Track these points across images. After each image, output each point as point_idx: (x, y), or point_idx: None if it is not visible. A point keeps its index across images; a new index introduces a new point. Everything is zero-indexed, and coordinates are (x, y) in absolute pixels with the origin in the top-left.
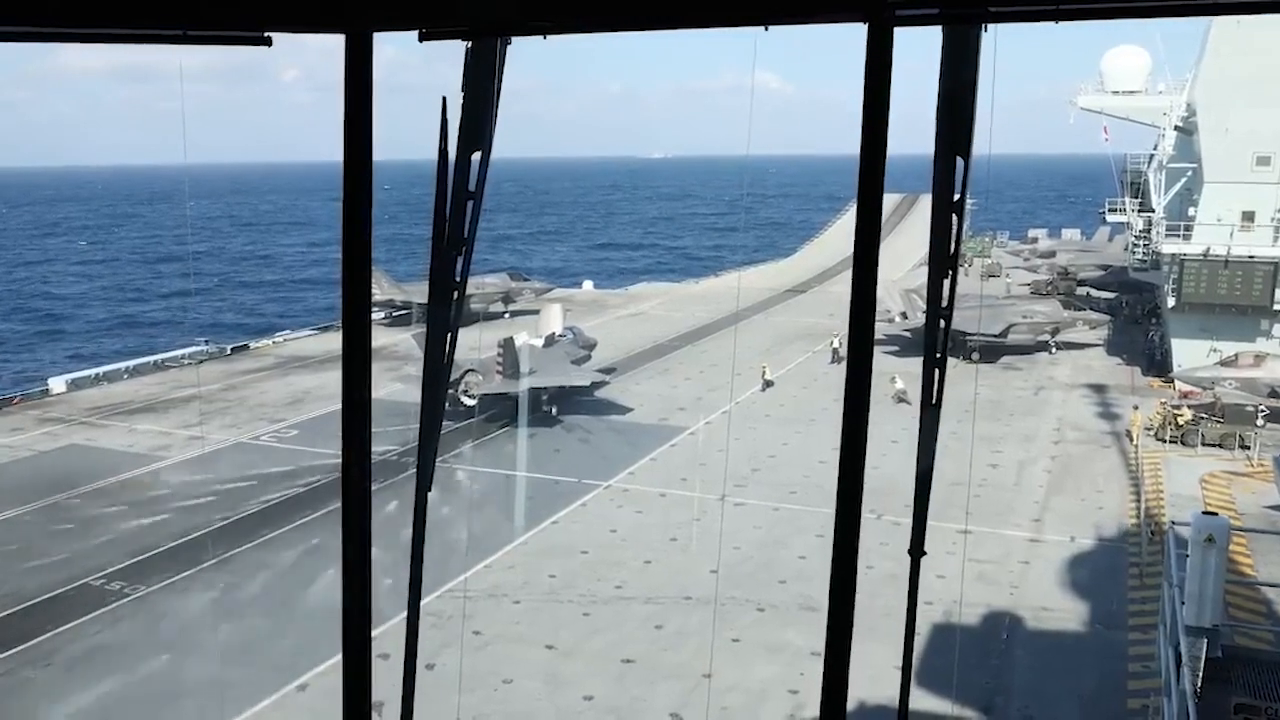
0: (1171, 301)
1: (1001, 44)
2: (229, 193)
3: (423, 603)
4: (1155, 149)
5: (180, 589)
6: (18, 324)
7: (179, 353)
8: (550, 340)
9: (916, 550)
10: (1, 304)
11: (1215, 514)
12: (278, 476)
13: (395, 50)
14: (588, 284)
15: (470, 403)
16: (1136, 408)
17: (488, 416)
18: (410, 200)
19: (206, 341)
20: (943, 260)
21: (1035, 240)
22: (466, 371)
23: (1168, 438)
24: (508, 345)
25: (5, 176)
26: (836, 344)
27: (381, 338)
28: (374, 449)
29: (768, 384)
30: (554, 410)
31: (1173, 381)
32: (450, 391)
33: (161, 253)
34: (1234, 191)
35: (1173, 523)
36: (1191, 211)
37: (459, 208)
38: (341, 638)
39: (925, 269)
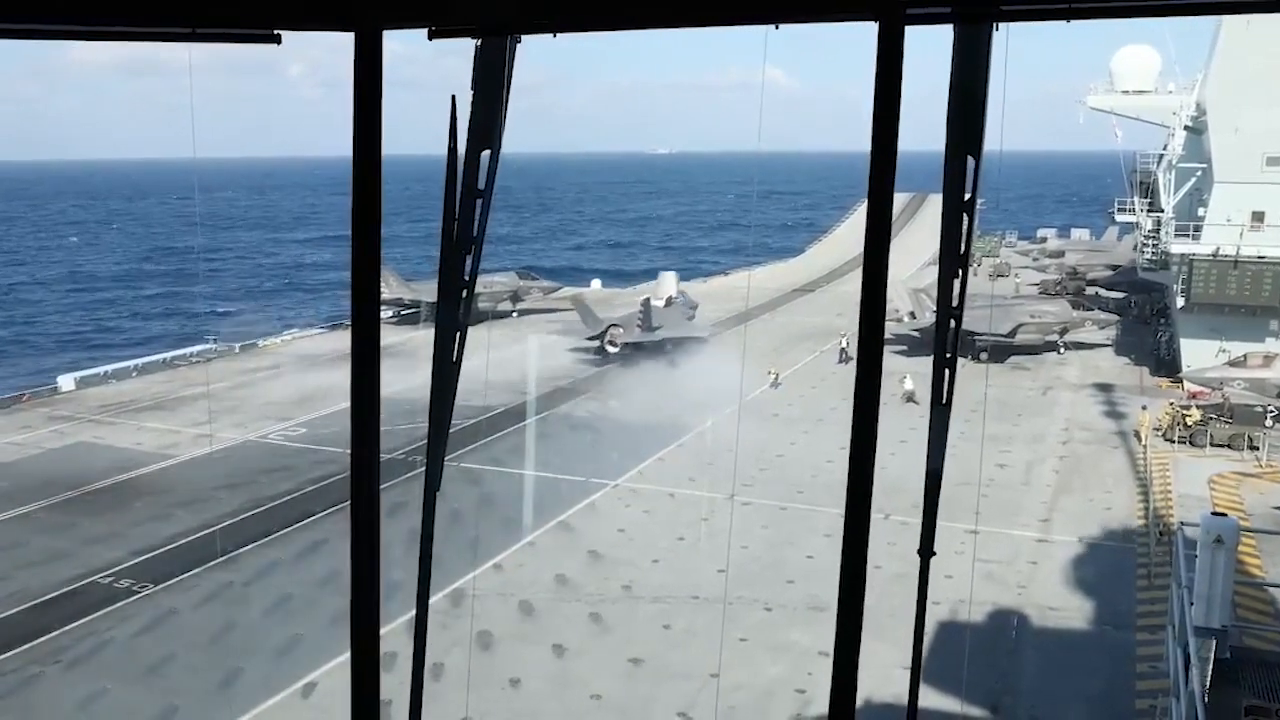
0: (1180, 302)
1: (1012, 42)
2: (226, 187)
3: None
4: (1165, 148)
5: (188, 587)
6: None
7: (187, 350)
8: (669, 301)
9: (926, 551)
10: None
11: (1224, 515)
12: (284, 475)
13: (401, 45)
14: (595, 283)
15: (613, 350)
16: (1145, 408)
17: (623, 361)
18: (412, 198)
19: (214, 340)
20: (953, 260)
21: (1044, 240)
22: (610, 326)
23: (1176, 438)
24: (646, 304)
25: (12, 171)
26: (844, 344)
27: (390, 336)
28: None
29: (775, 385)
30: (674, 358)
31: (1181, 382)
32: (596, 343)
33: (148, 248)
34: (1244, 191)
35: (1181, 523)
36: (1201, 211)
37: (468, 206)
38: (350, 637)
39: (934, 268)
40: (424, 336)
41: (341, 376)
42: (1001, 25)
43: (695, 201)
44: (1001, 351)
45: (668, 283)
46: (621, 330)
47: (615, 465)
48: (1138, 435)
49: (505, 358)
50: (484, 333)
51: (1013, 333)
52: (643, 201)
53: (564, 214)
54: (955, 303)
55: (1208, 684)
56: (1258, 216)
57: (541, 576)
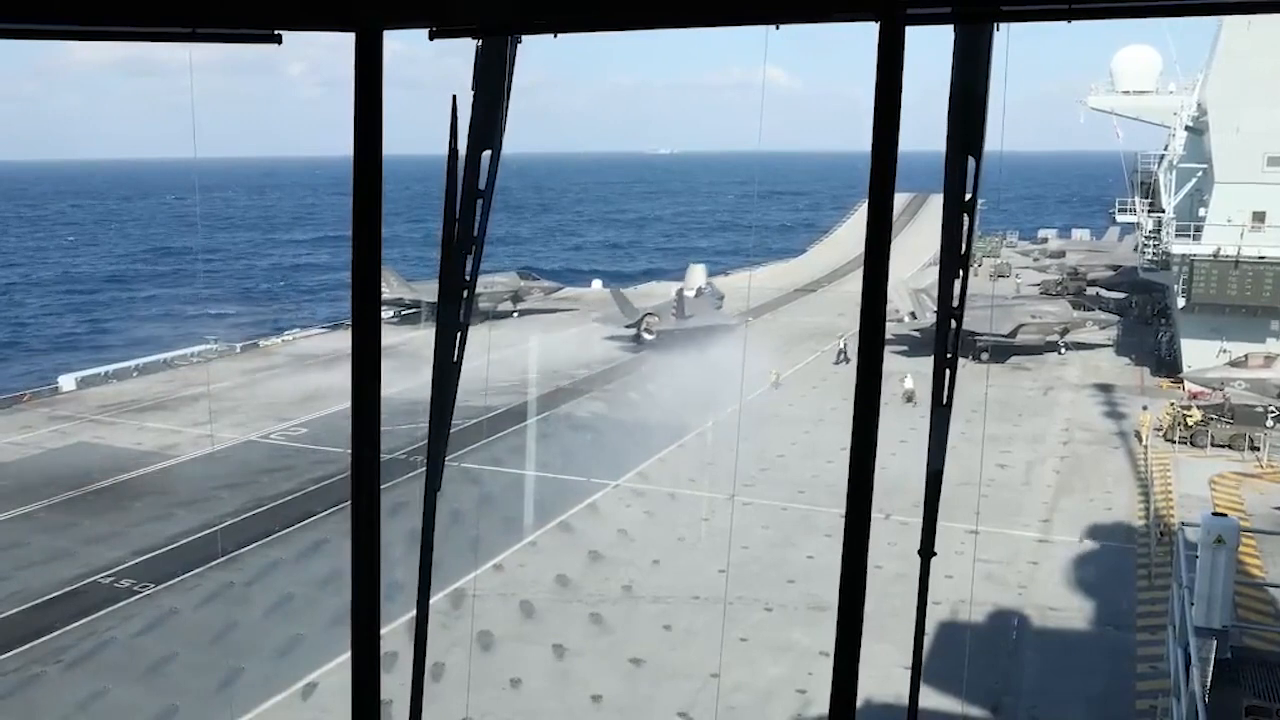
0: (1181, 302)
1: (1013, 42)
2: (226, 187)
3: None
4: (1165, 149)
5: (189, 586)
6: None
7: (188, 351)
8: (699, 292)
9: (926, 551)
10: None
11: (1224, 515)
12: (285, 475)
13: (402, 45)
14: (596, 283)
15: (649, 337)
16: (1145, 408)
17: (658, 348)
18: (412, 197)
19: (215, 340)
20: (954, 260)
21: (1045, 240)
22: (645, 315)
23: (1177, 438)
24: (680, 295)
25: (10, 171)
26: (843, 344)
27: (391, 336)
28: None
29: (775, 385)
30: (704, 345)
31: (1182, 382)
32: (634, 330)
33: (144, 249)
34: (1244, 192)
35: (1182, 523)
36: (1202, 212)
37: (469, 206)
38: (351, 637)
39: (934, 268)
40: (424, 337)
41: (342, 376)
42: (1002, 25)
43: (695, 202)
44: (1002, 352)
45: (697, 275)
46: (657, 319)
47: (616, 464)
48: (1138, 435)
49: (550, 343)
50: (485, 333)
51: (1013, 333)
52: (642, 202)
53: (563, 215)
54: (956, 303)
55: (1208, 684)
56: (1258, 217)
57: (542, 576)
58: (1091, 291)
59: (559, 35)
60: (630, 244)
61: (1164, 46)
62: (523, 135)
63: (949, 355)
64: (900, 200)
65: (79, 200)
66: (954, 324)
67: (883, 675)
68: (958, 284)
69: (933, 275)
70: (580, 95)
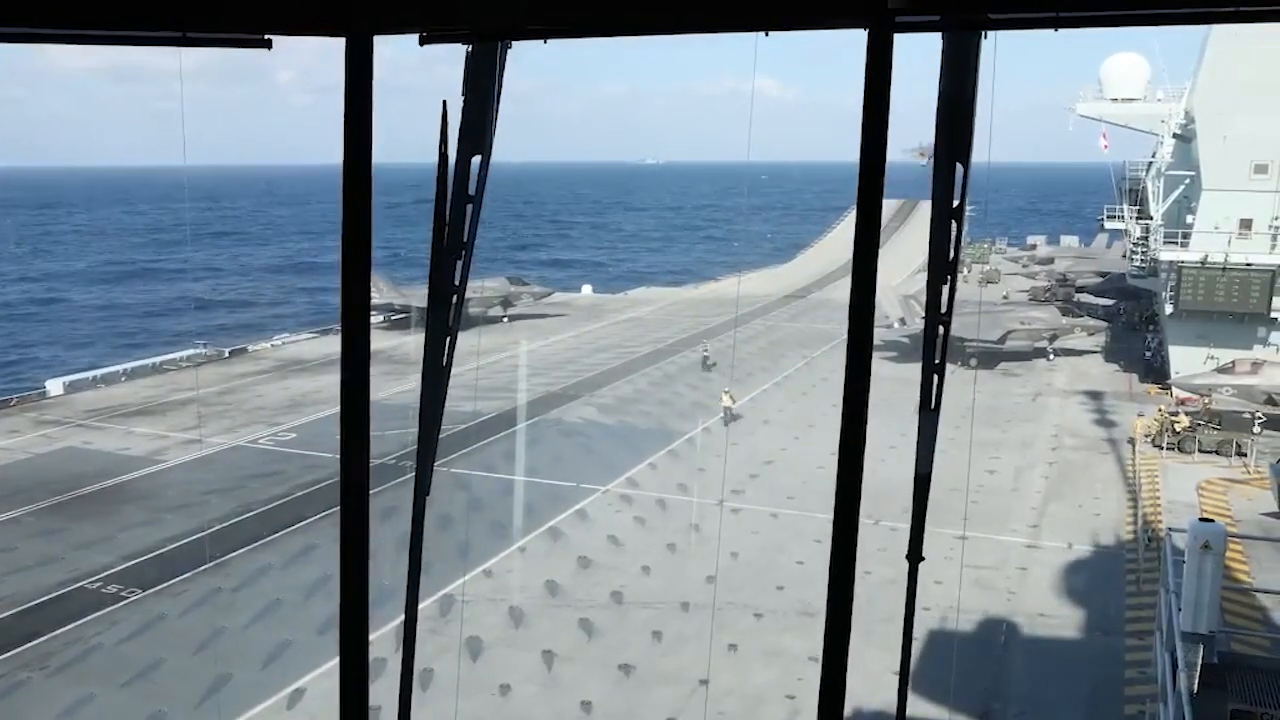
0: (1169, 308)
1: (1001, 50)
2: (204, 196)
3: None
4: (1154, 156)
5: (176, 592)
6: None
7: (176, 355)
8: None
9: (915, 556)
10: None
11: (1212, 520)
12: (274, 480)
13: (393, 51)
14: (586, 288)
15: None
16: (1140, 415)
17: None
18: (399, 206)
19: (204, 344)
20: (942, 266)
21: (1034, 247)
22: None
23: (1165, 444)
24: None
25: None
26: (706, 351)
27: (380, 341)
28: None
29: (732, 416)
30: None
31: (1170, 388)
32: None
33: (106, 260)
34: (1232, 199)
35: (1169, 529)
36: (1189, 219)
37: (459, 211)
38: (339, 642)
39: (924, 275)
40: (414, 341)
41: (331, 381)
42: (990, 33)
43: (686, 210)
44: (991, 358)
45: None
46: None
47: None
48: (1131, 442)
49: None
50: (474, 338)
51: (1002, 339)
52: (631, 211)
53: (552, 221)
54: (945, 309)
55: (1195, 688)
56: (1246, 223)
57: (531, 582)
58: (1080, 298)
59: (550, 41)
60: (622, 250)
61: (1152, 54)
62: (511, 145)
63: (937, 361)
64: (889, 207)
65: (64, 208)
66: (943, 330)
67: (873, 681)
68: (946, 290)
69: (922, 281)
70: (571, 106)
